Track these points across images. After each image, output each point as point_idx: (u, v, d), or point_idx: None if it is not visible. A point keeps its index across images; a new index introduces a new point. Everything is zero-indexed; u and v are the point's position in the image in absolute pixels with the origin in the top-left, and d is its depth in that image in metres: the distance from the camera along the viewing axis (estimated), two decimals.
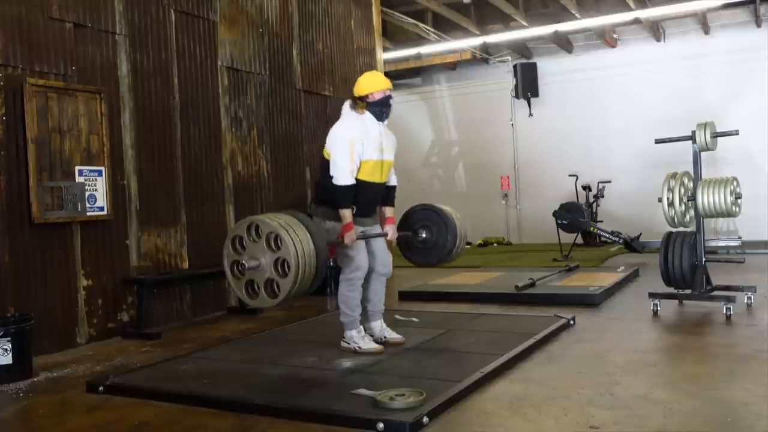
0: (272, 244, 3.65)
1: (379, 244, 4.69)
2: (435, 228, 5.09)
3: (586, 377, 3.83)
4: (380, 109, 4.44)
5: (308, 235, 3.69)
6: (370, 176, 4.43)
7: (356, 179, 4.36)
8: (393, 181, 4.75)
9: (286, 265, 3.60)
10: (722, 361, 4.15)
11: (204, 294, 6.57)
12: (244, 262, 3.67)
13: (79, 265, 5.43)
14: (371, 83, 4.46)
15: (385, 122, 4.55)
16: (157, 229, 6.14)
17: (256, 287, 3.71)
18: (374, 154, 4.41)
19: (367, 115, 4.44)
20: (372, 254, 4.60)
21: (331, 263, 7.12)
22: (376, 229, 4.70)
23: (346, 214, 4.32)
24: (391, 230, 4.72)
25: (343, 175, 4.29)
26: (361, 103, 4.44)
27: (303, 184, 7.98)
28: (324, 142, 4.53)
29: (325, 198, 4.47)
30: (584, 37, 12.96)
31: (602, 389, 3.58)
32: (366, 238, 4.54)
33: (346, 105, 4.54)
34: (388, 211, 4.76)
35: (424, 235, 5.09)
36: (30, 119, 5.04)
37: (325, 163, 4.46)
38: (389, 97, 4.47)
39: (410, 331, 5.00)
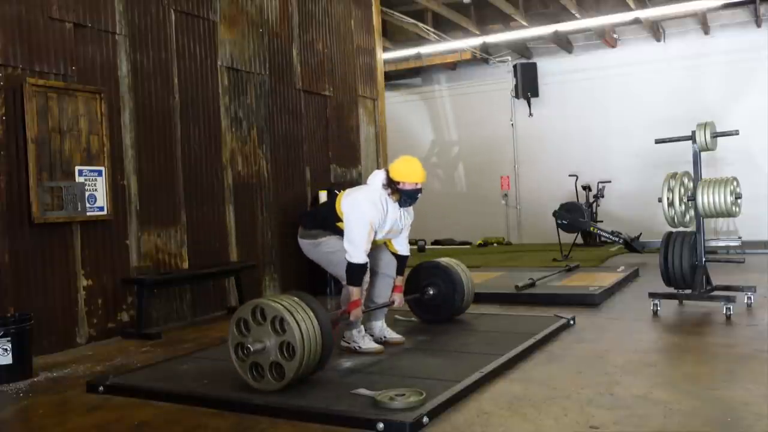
0: (277, 327, 3.63)
1: (383, 254, 4.73)
2: (442, 284, 5.28)
3: (586, 377, 3.83)
4: (405, 199, 4.46)
5: (313, 317, 3.68)
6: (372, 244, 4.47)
7: None
8: (405, 251, 4.76)
9: (291, 349, 3.58)
10: (722, 361, 4.15)
11: (204, 294, 6.57)
12: (248, 345, 3.64)
13: (79, 265, 5.43)
14: (407, 173, 4.42)
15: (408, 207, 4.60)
16: (157, 229, 6.14)
17: (260, 370, 3.68)
18: (380, 234, 4.47)
19: (390, 200, 4.44)
20: (376, 260, 4.64)
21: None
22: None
23: (355, 291, 4.34)
24: (398, 298, 4.79)
25: (358, 254, 4.28)
26: (396, 189, 4.41)
27: (303, 184, 7.98)
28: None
29: (320, 226, 4.52)
30: (584, 37, 12.96)
31: (602, 389, 3.58)
32: (371, 310, 4.62)
33: (380, 178, 4.48)
34: (398, 280, 4.78)
35: (431, 293, 5.25)
36: (30, 119, 5.04)
37: (332, 211, 4.45)
38: (419, 190, 4.47)
39: (410, 331, 5.00)
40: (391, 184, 4.41)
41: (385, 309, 4.80)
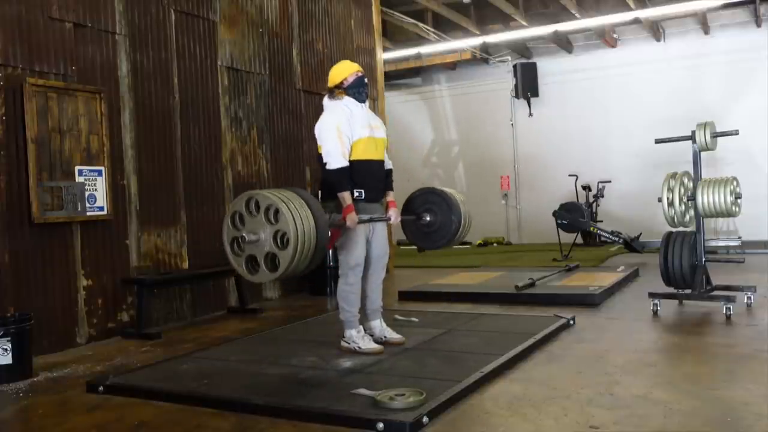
0: (271, 217, 3.65)
1: (380, 233, 4.68)
2: (439, 210, 5.07)
3: (586, 377, 3.83)
4: (357, 90, 4.56)
5: (307, 208, 3.69)
6: (365, 154, 4.47)
7: (353, 160, 4.41)
8: (389, 164, 4.77)
9: (285, 238, 3.60)
10: (722, 361, 4.15)
11: (204, 294, 6.57)
12: (244, 235, 3.67)
13: (79, 265, 5.43)
14: (341, 70, 4.61)
15: (366, 103, 4.65)
16: (157, 229, 6.14)
17: (256, 263, 3.70)
18: (364, 131, 4.48)
19: (347, 100, 4.54)
20: (371, 244, 4.60)
21: (331, 263, 7.18)
22: (379, 225, 4.68)
23: (345, 196, 4.34)
24: (394, 214, 4.73)
25: (335, 158, 4.35)
26: (338, 90, 4.55)
27: (303, 184, 7.97)
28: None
29: (329, 193, 4.47)
30: (584, 37, 12.96)
31: (602, 389, 3.58)
32: (369, 221, 4.53)
33: (326, 99, 4.66)
34: (389, 195, 4.76)
35: (428, 219, 5.07)
36: (30, 119, 5.04)
37: (321, 159, 4.49)
38: (362, 77, 4.60)
39: (410, 331, 5.00)
40: (336, 89, 4.56)
41: (381, 309, 4.77)
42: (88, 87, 5.52)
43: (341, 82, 4.56)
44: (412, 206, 5.13)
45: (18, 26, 5.09)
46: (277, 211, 3.62)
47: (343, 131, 4.39)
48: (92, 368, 4.64)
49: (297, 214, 3.62)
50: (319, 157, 4.52)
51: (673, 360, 4.42)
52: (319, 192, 4.66)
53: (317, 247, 3.72)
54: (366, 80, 4.63)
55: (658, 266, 5.79)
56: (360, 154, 4.44)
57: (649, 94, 12.34)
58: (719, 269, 6.61)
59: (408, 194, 5.28)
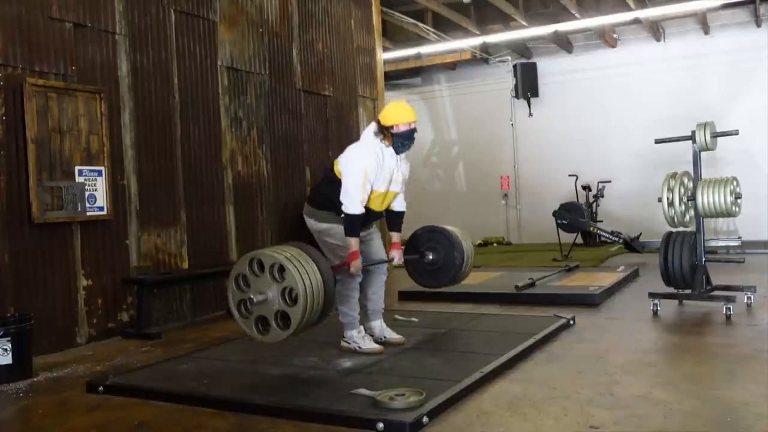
0: (276, 275, 3.60)
1: (376, 244, 4.71)
2: (441, 249, 5.08)
3: (586, 377, 3.83)
4: (402, 141, 4.40)
5: (312, 261, 3.65)
6: (371, 204, 4.42)
7: None
8: (401, 206, 4.73)
9: (293, 294, 3.55)
10: (722, 361, 4.15)
11: (204, 294, 6.57)
12: (251, 296, 3.59)
13: (79, 265, 5.43)
14: (397, 115, 4.38)
15: (403, 155, 4.53)
16: (157, 229, 6.14)
17: (266, 323, 3.64)
18: (382, 186, 4.40)
19: (385, 148, 4.38)
20: (368, 254, 4.61)
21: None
22: (373, 231, 4.71)
23: (353, 242, 4.30)
24: (397, 255, 4.72)
25: (353, 205, 4.27)
26: (388, 134, 4.37)
27: (303, 184, 7.97)
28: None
29: (324, 204, 4.48)
30: (584, 37, 12.96)
31: (602, 389, 3.58)
32: (370, 265, 4.56)
33: (370, 129, 4.46)
34: (395, 237, 4.74)
35: (431, 257, 5.08)
36: (30, 119, 5.04)
37: (332, 176, 4.45)
38: (413, 130, 4.42)
39: (410, 331, 5.00)
40: (383, 131, 4.37)
41: (383, 308, 4.78)
42: (88, 87, 5.52)
43: (391, 126, 4.36)
44: (414, 245, 5.13)
45: (18, 26, 5.08)
46: (282, 268, 3.57)
47: (369, 180, 4.29)
48: (92, 368, 4.64)
49: (302, 269, 3.57)
50: (331, 173, 4.46)
51: (673, 360, 4.42)
52: (310, 198, 4.66)
53: (326, 301, 3.67)
54: (415, 135, 4.44)
55: (658, 266, 5.79)
56: (366, 203, 4.39)
57: (649, 94, 12.33)
58: (719, 269, 6.61)
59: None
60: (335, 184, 4.39)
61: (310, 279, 3.57)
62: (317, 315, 3.67)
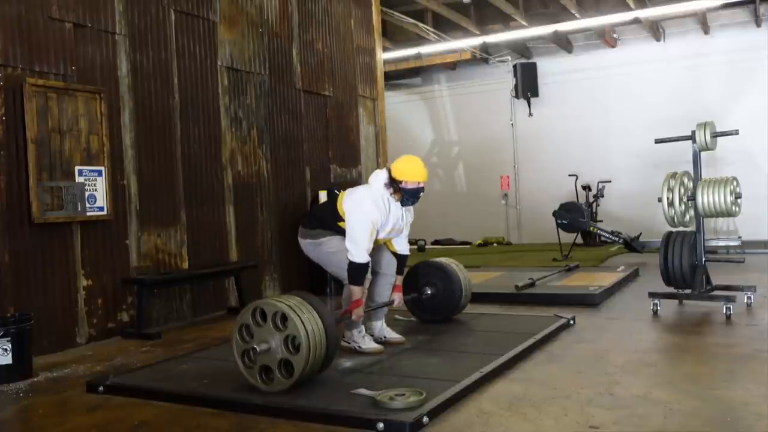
0: (279, 323, 3.62)
1: (383, 253, 4.72)
2: (439, 282, 5.27)
3: (586, 377, 3.83)
4: (408, 198, 4.47)
5: (313, 310, 3.68)
6: None
7: None
8: (405, 250, 4.76)
9: (296, 343, 3.57)
10: (722, 361, 4.15)
11: (204, 294, 6.57)
12: (255, 347, 3.62)
13: (79, 265, 5.43)
14: (410, 172, 4.41)
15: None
16: (157, 229, 6.14)
17: (269, 372, 3.66)
18: (383, 234, 4.46)
19: (392, 200, 4.44)
20: (377, 260, 4.63)
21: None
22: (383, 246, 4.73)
23: (357, 291, 4.34)
24: (398, 298, 4.79)
25: (359, 254, 4.28)
26: (397, 187, 4.40)
27: (303, 184, 7.98)
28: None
29: (318, 225, 4.53)
30: (584, 37, 12.96)
31: (602, 389, 3.58)
32: (372, 309, 4.61)
33: (381, 178, 4.46)
34: (397, 280, 4.78)
35: (429, 292, 5.24)
36: (30, 119, 5.04)
37: (333, 210, 4.47)
38: (421, 189, 4.47)
39: (410, 331, 5.00)
40: (393, 184, 4.41)
41: (385, 309, 4.81)
42: (88, 87, 5.52)
43: (401, 181, 4.39)
44: (413, 280, 5.26)
45: (18, 26, 5.08)
46: (284, 317, 3.59)
47: (375, 229, 4.33)
48: (92, 368, 4.63)
49: (305, 317, 3.60)
50: (333, 208, 4.48)
51: (673, 360, 4.42)
52: (303, 222, 4.71)
53: (328, 349, 3.70)
54: (422, 194, 4.49)
55: (658, 266, 5.79)
56: None
57: (649, 94, 12.34)
58: (719, 269, 6.61)
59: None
60: (336, 217, 4.43)
61: (312, 327, 3.60)
62: (320, 362, 3.70)
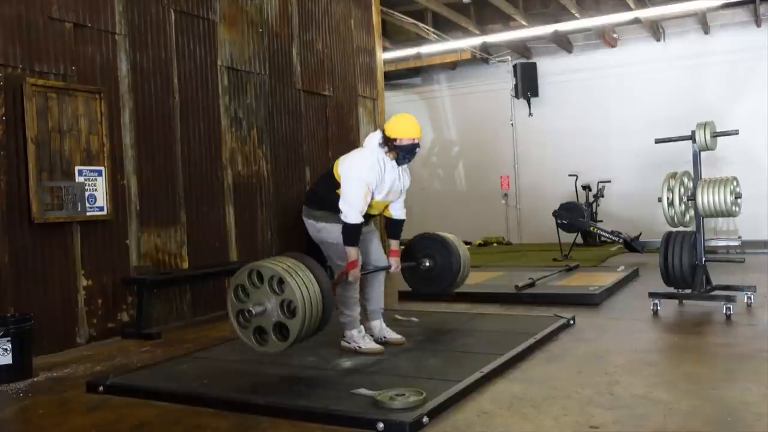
0: (275, 287, 3.62)
1: (375, 243, 4.71)
2: (438, 255, 5.10)
3: (586, 377, 3.83)
4: (404, 155, 4.43)
5: (311, 274, 3.67)
6: (368, 209, 4.43)
7: None
8: (401, 214, 4.73)
9: (292, 307, 3.57)
10: (722, 361, 4.15)
11: (204, 294, 6.57)
12: (250, 308, 3.62)
13: (79, 265, 5.43)
14: (403, 129, 4.40)
15: (406, 166, 4.57)
16: (157, 229, 6.14)
17: (264, 333, 3.66)
18: (379, 195, 4.42)
19: (387, 159, 4.41)
20: (367, 253, 4.62)
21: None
22: (370, 230, 4.71)
23: (352, 252, 4.33)
24: (395, 263, 4.73)
25: (353, 214, 4.28)
26: (392, 146, 4.39)
27: (303, 184, 7.97)
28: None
29: (321, 204, 4.50)
30: (584, 37, 12.96)
31: (602, 389, 3.58)
32: (369, 273, 4.57)
33: (375, 138, 4.46)
34: (393, 245, 4.75)
35: (428, 264, 5.10)
36: (30, 119, 5.04)
37: (330, 178, 4.46)
38: (417, 145, 4.44)
39: (410, 331, 5.00)
40: (387, 143, 4.39)
41: (383, 309, 4.79)
42: (88, 87, 5.52)
43: (395, 139, 4.38)
44: (411, 252, 5.14)
45: (18, 26, 5.08)
46: (281, 281, 3.59)
47: (370, 190, 4.32)
48: (92, 368, 4.64)
49: (302, 282, 3.59)
50: (332, 175, 4.47)
51: (673, 360, 4.42)
52: (307, 198, 4.68)
53: (324, 314, 3.70)
54: (418, 149, 4.47)
55: (658, 266, 5.79)
56: None
57: (649, 94, 12.34)
58: (719, 269, 6.60)
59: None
60: (333, 186, 4.40)
61: (308, 291, 3.59)
62: (315, 326, 3.69)
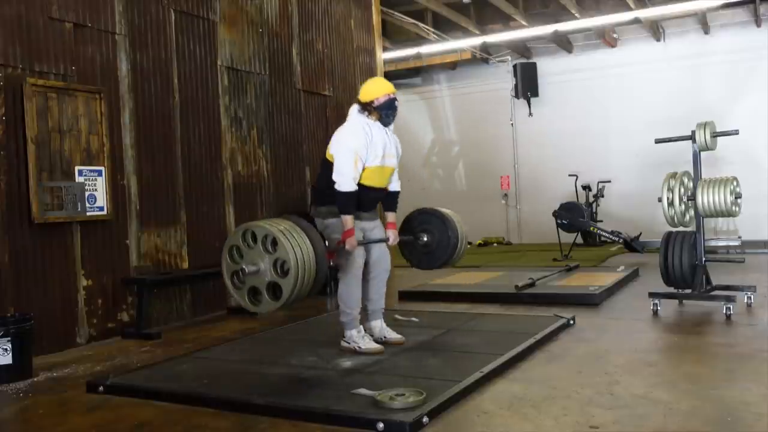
0: (269, 247, 3.66)
1: (377, 237, 4.69)
2: (436, 231, 5.08)
3: (586, 377, 3.83)
4: (385, 112, 4.47)
5: (304, 235, 3.70)
6: (368, 180, 4.44)
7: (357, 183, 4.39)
8: (396, 186, 4.75)
9: (285, 267, 3.61)
10: (722, 361, 4.15)
11: (204, 294, 6.57)
12: (243, 267, 3.67)
13: (79, 265, 5.43)
14: (376, 89, 4.49)
15: (391, 127, 4.59)
16: (157, 229, 6.14)
17: (258, 292, 3.71)
18: (375, 160, 4.43)
19: (371, 122, 4.45)
20: (370, 252, 4.62)
21: (330, 263, 7.18)
22: (377, 226, 4.71)
23: (348, 220, 4.33)
24: (392, 235, 4.73)
25: (345, 182, 4.32)
26: (372, 109, 4.44)
27: (303, 184, 7.98)
28: (325, 143, 4.55)
29: (323, 200, 4.50)
30: (584, 37, 12.97)
31: (602, 389, 3.58)
32: (366, 243, 4.56)
33: (354, 109, 4.54)
34: (390, 217, 4.76)
35: (425, 239, 5.08)
36: (30, 119, 5.04)
37: (327, 164, 4.48)
38: (394, 99, 4.49)
39: (410, 331, 5.00)
40: (366, 107, 4.46)
41: (383, 309, 4.78)
42: (88, 87, 5.52)
43: (371, 101, 4.45)
44: (409, 227, 5.13)
45: (18, 26, 5.08)
46: (274, 241, 3.63)
47: (359, 157, 4.35)
48: (92, 368, 4.64)
49: (295, 242, 3.62)
50: (326, 162, 4.50)
51: (673, 360, 4.42)
52: (312, 199, 4.68)
53: (318, 275, 3.73)
54: (397, 103, 4.52)
55: (658, 266, 5.79)
56: (364, 180, 4.42)
57: (649, 94, 12.34)
58: (719, 269, 6.61)
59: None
60: (329, 172, 4.43)
61: (302, 251, 3.63)
62: (308, 287, 3.72)
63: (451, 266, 5.35)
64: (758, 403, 3.26)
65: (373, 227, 4.66)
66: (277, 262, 3.64)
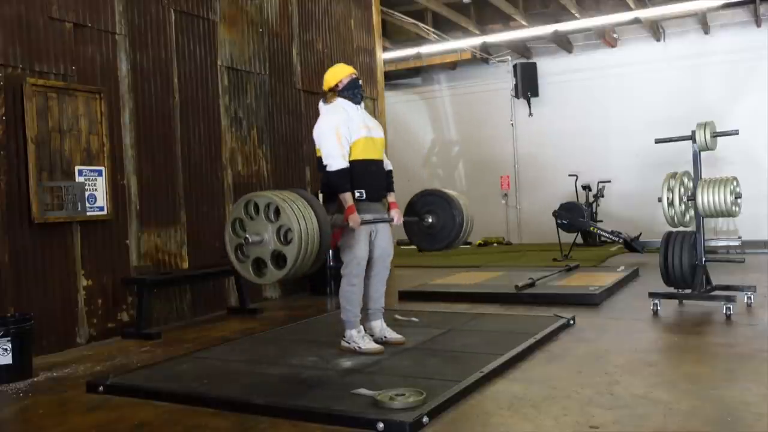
0: (271, 216, 3.67)
1: (383, 236, 4.69)
2: (441, 212, 5.09)
3: (586, 377, 3.83)
4: (352, 91, 4.60)
5: (308, 206, 3.70)
6: (364, 154, 4.49)
7: (352, 161, 4.43)
8: (388, 165, 4.80)
9: (288, 234, 3.61)
10: (722, 361, 4.15)
11: (204, 294, 6.57)
12: (247, 237, 3.66)
13: (79, 264, 5.43)
14: (335, 73, 4.65)
15: (362, 104, 4.69)
16: (157, 228, 6.14)
17: (262, 263, 3.70)
18: (361, 131, 4.50)
19: (343, 102, 4.57)
20: (374, 244, 4.61)
21: (331, 263, 7.18)
22: (383, 227, 4.70)
23: (347, 197, 4.37)
24: (396, 215, 4.75)
25: (335, 160, 4.38)
26: (331, 93, 4.60)
27: (303, 184, 7.97)
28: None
29: (325, 199, 4.53)
30: (584, 37, 12.97)
31: (602, 389, 3.58)
32: (372, 222, 4.55)
33: (321, 104, 4.70)
34: (390, 197, 4.79)
35: (430, 220, 5.10)
36: (30, 119, 5.04)
37: (320, 162, 4.53)
38: (356, 79, 4.64)
39: (410, 331, 5.00)
40: (333, 90, 4.61)
41: (383, 309, 4.77)
42: (88, 87, 5.52)
43: (336, 85, 4.61)
44: (414, 208, 5.14)
45: (18, 26, 5.08)
46: (277, 209, 3.63)
47: (341, 133, 4.42)
48: (92, 368, 4.64)
49: (298, 210, 3.64)
50: (319, 160, 4.55)
51: (673, 360, 4.42)
52: (320, 195, 4.68)
53: (321, 244, 3.72)
54: (360, 82, 4.68)
55: (658, 266, 5.79)
56: (359, 155, 4.45)
57: (649, 94, 12.34)
58: (719, 269, 6.61)
59: (408, 194, 5.29)
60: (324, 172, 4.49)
61: (305, 220, 3.63)
62: (312, 258, 3.72)
63: (457, 246, 5.31)
64: (758, 403, 3.26)
65: (376, 224, 4.63)
66: (281, 230, 3.64)
